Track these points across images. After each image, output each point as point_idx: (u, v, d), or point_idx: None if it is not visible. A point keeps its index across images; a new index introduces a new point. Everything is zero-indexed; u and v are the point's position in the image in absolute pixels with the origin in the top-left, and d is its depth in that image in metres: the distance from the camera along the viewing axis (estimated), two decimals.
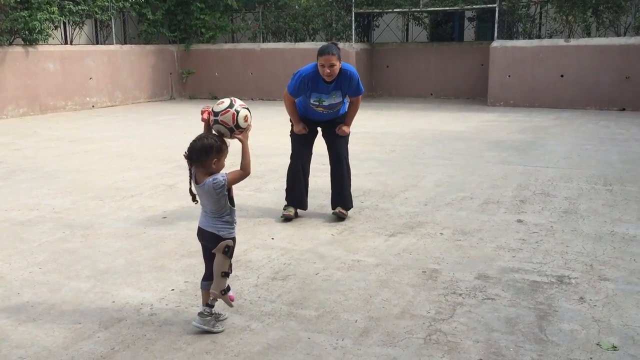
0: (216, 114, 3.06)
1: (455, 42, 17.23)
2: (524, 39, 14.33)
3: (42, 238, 4.68)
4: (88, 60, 14.52)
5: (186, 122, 11.72)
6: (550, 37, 14.32)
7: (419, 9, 15.40)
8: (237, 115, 3.05)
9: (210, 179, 2.99)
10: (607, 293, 3.55)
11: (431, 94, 16.55)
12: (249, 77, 16.64)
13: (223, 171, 3.06)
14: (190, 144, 3.02)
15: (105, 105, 14.99)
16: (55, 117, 12.89)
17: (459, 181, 6.48)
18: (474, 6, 14.65)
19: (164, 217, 5.23)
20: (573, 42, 13.39)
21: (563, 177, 6.60)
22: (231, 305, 3.18)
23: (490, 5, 14.26)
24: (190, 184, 3.10)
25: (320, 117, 5.06)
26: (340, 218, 5.10)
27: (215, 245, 3.05)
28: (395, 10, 15.52)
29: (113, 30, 15.54)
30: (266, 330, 3.13)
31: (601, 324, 3.16)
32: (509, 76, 14.03)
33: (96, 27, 15.83)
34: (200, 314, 3.11)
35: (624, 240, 4.49)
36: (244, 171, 3.07)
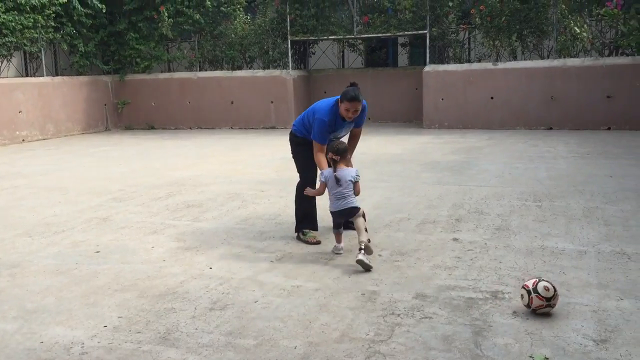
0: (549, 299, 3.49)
1: (389, 68, 17.64)
2: (454, 63, 14.82)
3: None
4: (17, 93, 14.04)
5: (122, 154, 11.44)
6: (479, 61, 14.87)
7: (353, 36, 15.71)
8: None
9: (353, 170, 4.76)
10: None
11: (369, 119, 16.80)
12: (187, 106, 16.48)
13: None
14: (336, 146, 4.72)
15: (36, 139, 14.50)
16: None
17: (397, 202, 6.58)
18: (406, 33, 15.07)
19: (97, 252, 5.07)
20: (500, 65, 13.95)
21: (495, 195, 6.81)
22: (369, 241, 4.57)
23: (422, 32, 14.71)
24: (335, 171, 4.67)
25: None
26: None
27: (353, 213, 4.64)
28: (330, 37, 15.77)
29: (43, 62, 15.12)
30: None
31: (534, 336, 3.25)
32: (442, 99, 14.45)
33: (25, 59, 15.37)
34: (364, 251, 4.38)
35: (553, 254, 4.65)
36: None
